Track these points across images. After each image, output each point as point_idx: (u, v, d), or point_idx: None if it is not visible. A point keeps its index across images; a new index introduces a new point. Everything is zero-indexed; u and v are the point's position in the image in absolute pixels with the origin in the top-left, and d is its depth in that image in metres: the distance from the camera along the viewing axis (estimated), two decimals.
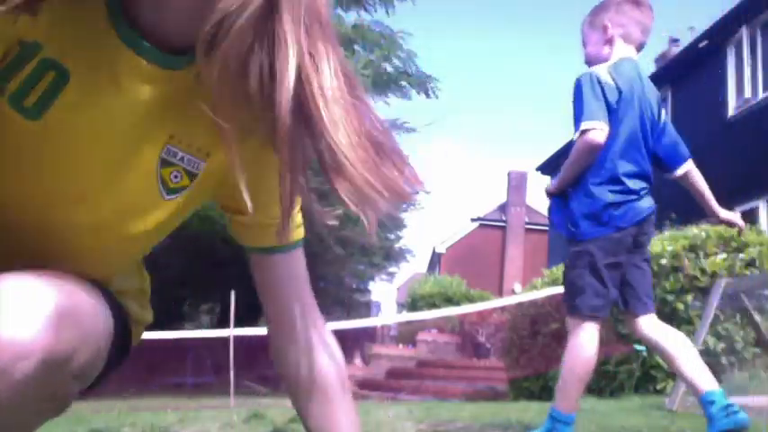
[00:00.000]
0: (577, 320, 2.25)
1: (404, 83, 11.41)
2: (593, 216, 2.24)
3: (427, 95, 11.66)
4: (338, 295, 17.57)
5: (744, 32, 10.41)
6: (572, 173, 2.30)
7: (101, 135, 0.74)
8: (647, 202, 2.32)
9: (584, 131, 2.21)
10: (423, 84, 11.54)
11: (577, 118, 2.27)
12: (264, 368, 10.86)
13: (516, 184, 23.45)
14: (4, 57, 0.70)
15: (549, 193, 2.41)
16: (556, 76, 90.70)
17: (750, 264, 6.11)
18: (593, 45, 2.42)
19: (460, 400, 7.78)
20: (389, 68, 11.29)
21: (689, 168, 2.47)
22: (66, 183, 0.75)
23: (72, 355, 0.66)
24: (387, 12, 10.84)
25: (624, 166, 2.26)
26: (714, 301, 4.23)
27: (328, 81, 0.69)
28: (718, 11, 11.28)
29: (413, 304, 18.19)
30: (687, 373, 2.23)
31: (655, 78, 14.89)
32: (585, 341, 2.22)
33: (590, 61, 2.43)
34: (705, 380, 2.19)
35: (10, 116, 0.71)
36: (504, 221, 23.40)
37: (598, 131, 2.19)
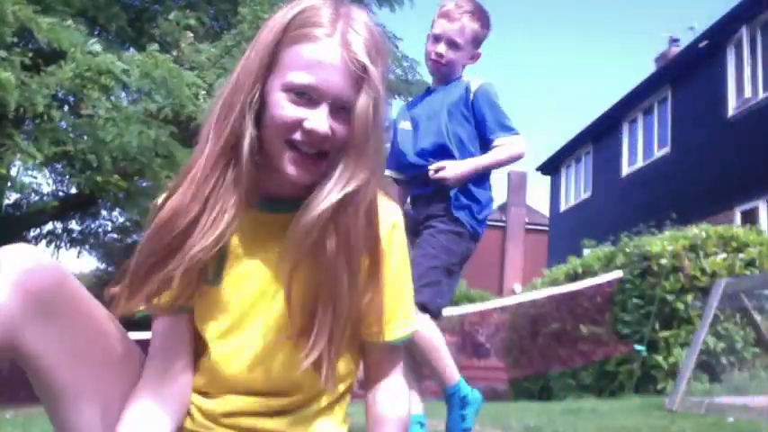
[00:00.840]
0: (421, 314, 2.10)
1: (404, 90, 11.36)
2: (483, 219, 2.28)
3: None
4: None
5: (744, 32, 10.41)
6: (489, 169, 2.28)
7: (262, 275, 1.05)
8: None
9: (519, 141, 2.23)
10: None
11: (502, 123, 2.25)
12: None
13: (516, 184, 23.43)
14: None
15: (454, 181, 2.23)
16: (554, 76, 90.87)
17: (750, 264, 6.11)
18: (463, 59, 2.34)
19: None
20: (390, 77, 11.16)
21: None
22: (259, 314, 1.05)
23: None
24: (392, 8, 10.52)
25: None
26: (714, 301, 4.23)
27: None
28: (718, 11, 11.30)
29: None
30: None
31: (655, 78, 14.74)
32: (425, 328, 2.12)
33: (450, 67, 2.34)
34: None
35: (205, 289, 1.05)
36: (504, 221, 23.37)
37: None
